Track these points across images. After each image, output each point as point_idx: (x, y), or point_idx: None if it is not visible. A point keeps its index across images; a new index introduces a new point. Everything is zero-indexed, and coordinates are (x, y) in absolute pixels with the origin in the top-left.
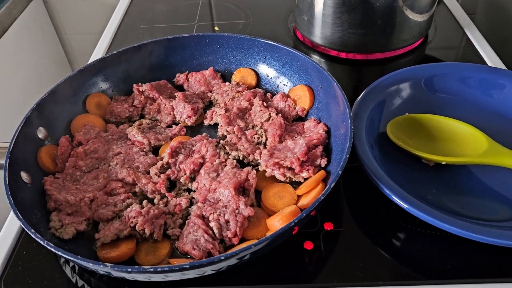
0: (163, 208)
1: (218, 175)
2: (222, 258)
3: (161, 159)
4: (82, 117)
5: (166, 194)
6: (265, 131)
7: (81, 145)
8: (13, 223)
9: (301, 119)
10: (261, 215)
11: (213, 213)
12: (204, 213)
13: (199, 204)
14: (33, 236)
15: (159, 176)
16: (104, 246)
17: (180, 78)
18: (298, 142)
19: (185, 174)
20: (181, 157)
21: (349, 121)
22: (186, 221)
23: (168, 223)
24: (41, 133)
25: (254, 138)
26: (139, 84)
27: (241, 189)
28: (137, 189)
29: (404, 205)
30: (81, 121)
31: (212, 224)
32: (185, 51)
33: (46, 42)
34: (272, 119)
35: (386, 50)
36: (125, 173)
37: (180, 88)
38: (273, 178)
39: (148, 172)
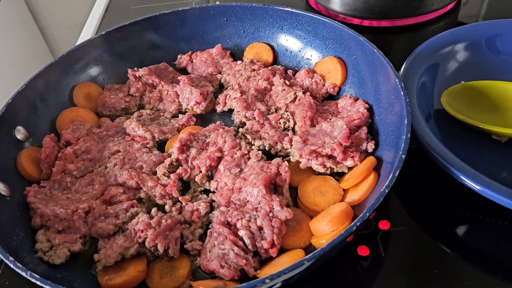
0: (177, 217)
1: (241, 170)
2: (267, 281)
3: (169, 155)
4: (69, 112)
5: (180, 198)
6: (292, 114)
7: (70, 145)
8: None
9: (331, 97)
10: (301, 217)
11: (241, 218)
12: (229, 219)
13: (222, 208)
14: (11, 265)
15: (168, 177)
16: (106, 270)
17: (183, 59)
18: (336, 124)
19: (200, 172)
20: (193, 151)
21: (403, 95)
22: (208, 231)
23: (185, 235)
24: (19, 133)
25: (280, 123)
26: (135, 69)
27: (272, 186)
28: (142, 195)
29: (478, 188)
30: (68, 116)
31: (242, 233)
32: (186, 28)
33: (26, 36)
34: (299, 100)
35: (417, 14)
36: (126, 176)
37: (184, 71)
38: (309, 170)
39: (155, 173)
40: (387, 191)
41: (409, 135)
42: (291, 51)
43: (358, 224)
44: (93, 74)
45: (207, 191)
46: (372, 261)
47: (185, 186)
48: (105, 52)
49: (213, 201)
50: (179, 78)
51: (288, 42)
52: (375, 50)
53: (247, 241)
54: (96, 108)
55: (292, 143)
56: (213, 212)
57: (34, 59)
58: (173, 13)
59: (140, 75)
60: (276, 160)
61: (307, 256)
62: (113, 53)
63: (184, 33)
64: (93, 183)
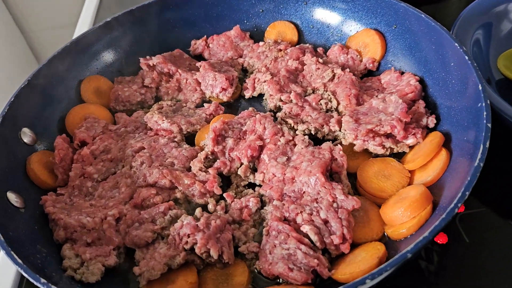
0: (225, 216)
1: (289, 159)
2: (367, 281)
3: (201, 149)
4: (79, 109)
5: (224, 195)
6: (333, 93)
7: (85, 145)
8: (6, 269)
9: (370, 74)
10: (367, 206)
11: (301, 212)
12: (287, 214)
13: (275, 202)
14: None
15: (206, 172)
16: (151, 284)
17: (198, 45)
18: (389, 100)
19: (241, 164)
20: (230, 142)
21: (467, 59)
22: (264, 230)
23: (237, 237)
24: (26, 136)
25: (321, 104)
26: (148, 57)
27: (328, 174)
28: (178, 195)
29: None
30: (79, 113)
31: (306, 228)
32: (199, 10)
33: (7, 41)
34: (338, 77)
35: None
36: (157, 175)
37: (199, 58)
38: (365, 153)
39: (189, 169)
40: (481, 164)
41: (488, 102)
42: (318, 28)
43: (459, 204)
44: (99, 66)
45: (252, 185)
46: (453, 250)
47: (225, 181)
48: (113, 40)
49: (262, 195)
50: (197, 64)
51: (314, 17)
52: (423, 16)
53: (314, 238)
54: (107, 103)
55: (343, 124)
56: (264, 207)
57: (17, 65)
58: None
59: (154, 63)
60: (327, 145)
61: (408, 248)
62: (121, 41)
63: (196, 16)
64: (119, 186)
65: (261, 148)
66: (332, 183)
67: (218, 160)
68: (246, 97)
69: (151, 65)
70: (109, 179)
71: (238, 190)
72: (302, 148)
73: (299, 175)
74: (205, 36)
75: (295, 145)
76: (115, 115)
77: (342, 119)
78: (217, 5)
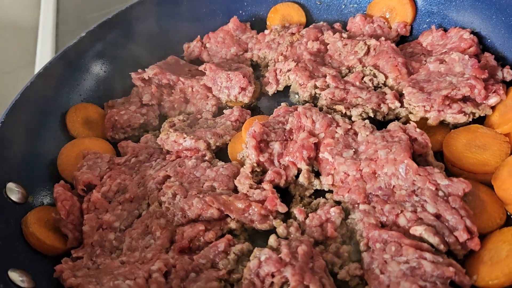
0: (306, 239)
1: (356, 151)
2: None
3: (241, 162)
4: (71, 147)
5: (295, 211)
6: (375, 67)
7: (93, 189)
8: None
9: (403, 40)
10: (473, 186)
11: (402, 211)
12: (383, 217)
13: (362, 207)
14: None
15: (259, 189)
16: None
17: (193, 47)
18: (452, 59)
19: (298, 169)
20: (276, 146)
21: None
22: (361, 245)
23: (328, 261)
24: (13, 193)
25: (365, 82)
26: (140, 70)
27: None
28: (232, 224)
29: None
30: (72, 152)
31: (418, 230)
32: (184, 8)
33: None
34: (375, 48)
35: None
36: (199, 205)
37: (198, 62)
38: (440, 127)
39: (235, 190)
40: None
41: None
42: (328, 2)
43: None
44: (83, 91)
45: (318, 193)
46: None
47: (283, 196)
48: (92, 58)
49: (340, 202)
50: (200, 68)
51: None
52: None
53: (434, 240)
54: (102, 134)
55: (406, 97)
56: (350, 216)
57: None
58: None
59: (150, 76)
60: (396, 125)
61: None
62: (101, 58)
63: (183, 15)
64: (151, 230)
65: (317, 145)
66: (426, 168)
67: (269, 171)
68: (270, 93)
69: (146, 78)
70: (136, 224)
71: (305, 202)
72: (367, 135)
73: (380, 167)
74: (199, 36)
75: (356, 133)
76: (118, 145)
77: (403, 91)
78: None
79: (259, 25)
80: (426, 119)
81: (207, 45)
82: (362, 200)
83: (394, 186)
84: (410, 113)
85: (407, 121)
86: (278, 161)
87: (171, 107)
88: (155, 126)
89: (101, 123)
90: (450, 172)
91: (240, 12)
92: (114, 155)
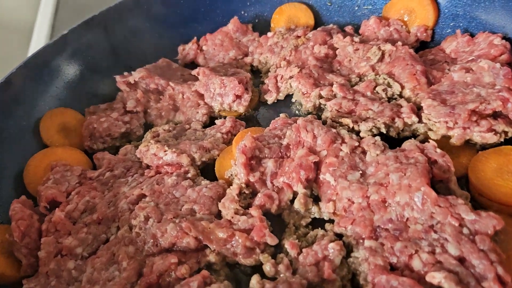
0: (297, 281)
1: (363, 173)
2: None
3: (229, 182)
4: (41, 157)
5: (286, 245)
6: (390, 75)
7: (58, 207)
8: None
9: (422, 47)
10: (506, 222)
11: (417, 251)
12: (394, 258)
13: (368, 243)
14: None
15: (246, 215)
16: None
17: (188, 50)
18: (480, 68)
19: (295, 192)
20: (269, 164)
21: None
22: None
23: None
24: None
25: (378, 92)
26: (125, 73)
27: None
28: (212, 257)
29: None
30: (42, 163)
31: (437, 278)
32: (180, 7)
33: None
34: (390, 54)
35: None
36: (174, 232)
37: (192, 66)
38: (465, 148)
39: (219, 215)
40: None
41: None
42: (339, 3)
43: None
44: (62, 94)
45: (316, 223)
46: None
47: (275, 223)
48: (74, 57)
49: (341, 235)
50: (193, 72)
51: None
52: None
53: None
54: (80, 143)
55: (425, 111)
56: (352, 254)
57: None
58: None
59: (136, 79)
60: (412, 143)
61: None
62: (85, 58)
63: (178, 14)
64: (118, 260)
65: (317, 165)
66: (447, 197)
67: (259, 194)
68: (269, 102)
69: (132, 82)
70: (101, 251)
71: (300, 234)
72: (377, 155)
73: (392, 194)
74: (195, 38)
75: (364, 152)
76: (93, 156)
77: (422, 104)
78: None
79: (262, 27)
80: (449, 137)
81: (204, 47)
82: (368, 234)
83: (407, 219)
84: (430, 129)
85: (425, 139)
86: (271, 182)
87: (158, 115)
88: (139, 136)
89: (79, 130)
90: (477, 203)
91: (242, 12)
92: (88, 168)
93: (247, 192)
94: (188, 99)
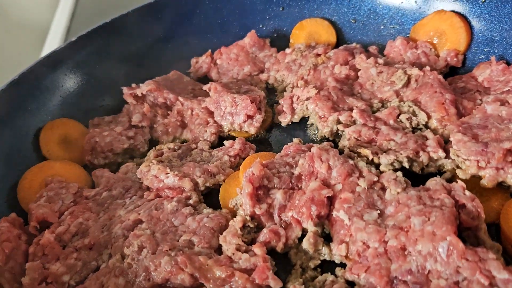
0: None
1: (382, 213)
2: None
3: (233, 211)
4: (37, 170)
5: None
6: (416, 102)
7: (48, 228)
8: None
9: (452, 72)
10: None
11: None
12: None
13: None
14: None
15: (248, 252)
16: None
17: (201, 63)
18: None
19: (304, 229)
20: (278, 196)
21: None
22: None
23: None
24: None
25: (401, 121)
26: (133, 85)
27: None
28: None
29: None
30: (38, 177)
31: None
32: (197, 17)
33: None
34: (417, 80)
35: None
36: (168, 267)
37: (205, 80)
38: (498, 190)
39: (219, 249)
40: None
41: None
42: (364, 21)
43: None
44: (66, 103)
45: (326, 265)
46: None
47: (280, 263)
48: (82, 65)
49: (350, 284)
50: (205, 87)
51: (357, 6)
52: None
53: None
54: (81, 157)
55: (454, 146)
56: None
57: None
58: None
59: (144, 92)
60: (437, 182)
61: None
62: (93, 66)
63: (195, 25)
64: None
65: (331, 200)
66: (476, 250)
67: (264, 230)
68: (283, 124)
69: (139, 95)
70: (89, 280)
71: (308, 277)
72: (398, 193)
73: (413, 241)
74: (209, 50)
75: (384, 188)
76: (92, 173)
77: (450, 138)
78: (222, 8)
79: (281, 42)
80: (480, 178)
81: (218, 61)
82: (384, 286)
83: (429, 272)
84: (458, 167)
85: (453, 177)
86: (279, 216)
87: (164, 131)
88: (143, 152)
89: (82, 143)
90: (509, 256)
91: (260, 26)
92: (86, 185)
93: (251, 225)
94: (197, 116)
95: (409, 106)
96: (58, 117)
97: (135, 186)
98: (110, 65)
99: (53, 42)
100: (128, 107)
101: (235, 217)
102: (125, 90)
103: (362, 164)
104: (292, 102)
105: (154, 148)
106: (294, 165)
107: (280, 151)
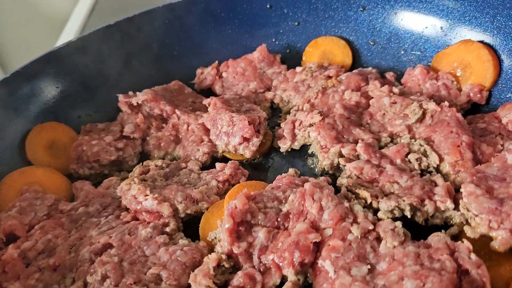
0: None
1: (372, 268)
2: None
3: (210, 245)
4: (17, 176)
5: None
6: (428, 141)
7: (14, 242)
8: None
9: (474, 110)
10: None
11: None
12: None
13: None
14: None
15: None
16: None
17: (206, 74)
18: None
19: (283, 276)
20: (260, 235)
21: None
22: None
23: None
24: None
25: (410, 161)
26: (130, 93)
27: None
28: None
29: None
30: (18, 183)
31: None
32: (207, 26)
33: None
34: (432, 115)
35: None
36: None
37: (208, 93)
38: (509, 256)
39: None
40: None
41: None
42: (383, 43)
43: None
44: (59, 106)
45: None
46: None
47: None
48: (77, 68)
49: None
50: (205, 102)
51: (378, 27)
52: None
53: None
54: (66, 164)
55: (465, 199)
56: None
57: None
58: (183, 3)
59: (140, 102)
60: (440, 240)
61: None
62: (91, 71)
63: (204, 34)
64: None
65: (318, 246)
66: None
67: (239, 272)
68: (282, 150)
69: (135, 104)
70: None
71: None
72: (394, 247)
73: None
74: (216, 61)
75: (379, 239)
76: (72, 185)
77: (462, 188)
78: (233, 18)
79: (293, 59)
80: (491, 238)
81: (224, 74)
82: None
83: None
84: (467, 223)
85: (460, 233)
86: (259, 258)
87: (156, 146)
88: (132, 166)
89: (70, 150)
90: None
91: (273, 40)
92: (65, 197)
93: (227, 265)
94: (192, 132)
95: (420, 145)
96: (48, 120)
97: (114, 204)
98: (111, 70)
99: (69, 34)
100: (123, 116)
101: (212, 252)
102: (120, 97)
103: (358, 208)
104: (294, 127)
105: (140, 164)
106: (283, 201)
107: (275, 179)
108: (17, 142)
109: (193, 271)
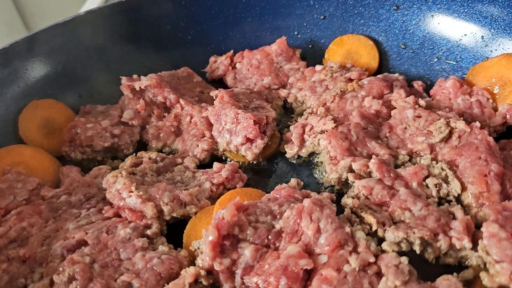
0: None
1: None
2: None
3: (192, 255)
4: (5, 154)
5: None
6: (453, 167)
7: None
8: None
9: (509, 134)
10: None
11: None
12: None
13: None
14: None
15: None
16: None
17: (219, 63)
18: None
19: None
20: (246, 253)
21: None
22: None
23: None
24: None
25: (428, 186)
26: (134, 76)
27: None
28: None
29: None
30: (3, 162)
31: None
32: (226, 10)
33: None
34: (459, 137)
35: None
36: None
37: (219, 84)
38: None
39: None
40: None
41: None
42: (415, 48)
43: None
44: (57, 82)
45: None
46: None
47: None
48: (80, 44)
49: None
50: (212, 93)
51: (411, 31)
52: None
53: None
54: (59, 146)
55: (485, 240)
56: None
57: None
58: None
59: (143, 87)
60: (450, 285)
61: None
62: (94, 48)
63: (222, 19)
64: None
65: (309, 273)
66: None
67: None
68: (288, 156)
69: (137, 89)
70: None
71: None
72: (395, 287)
73: None
74: (231, 51)
75: (380, 274)
76: (60, 170)
77: (483, 227)
78: (254, 5)
79: (313, 56)
80: None
81: (238, 65)
82: None
83: None
84: (484, 268)
85: (474, 279)
86: (241, 278)
87: (155, 136)
88: (127, 154)
89: (64, 130)
90: None
91: (295, 33)
92: (50, 182)
93: (205, 283)
94: (194, 125)
95: (442, 169)
96: (45, 97)
97: (98, 196)
98: (115, 51)
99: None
100: (123, 100)
101: (189, 267)
102: (123, 80)
103: (360, 235)
104: (304, 131)
105: (133, 154)
106: (278, 216)
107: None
108: (12, 118)
109: (168, 283)
